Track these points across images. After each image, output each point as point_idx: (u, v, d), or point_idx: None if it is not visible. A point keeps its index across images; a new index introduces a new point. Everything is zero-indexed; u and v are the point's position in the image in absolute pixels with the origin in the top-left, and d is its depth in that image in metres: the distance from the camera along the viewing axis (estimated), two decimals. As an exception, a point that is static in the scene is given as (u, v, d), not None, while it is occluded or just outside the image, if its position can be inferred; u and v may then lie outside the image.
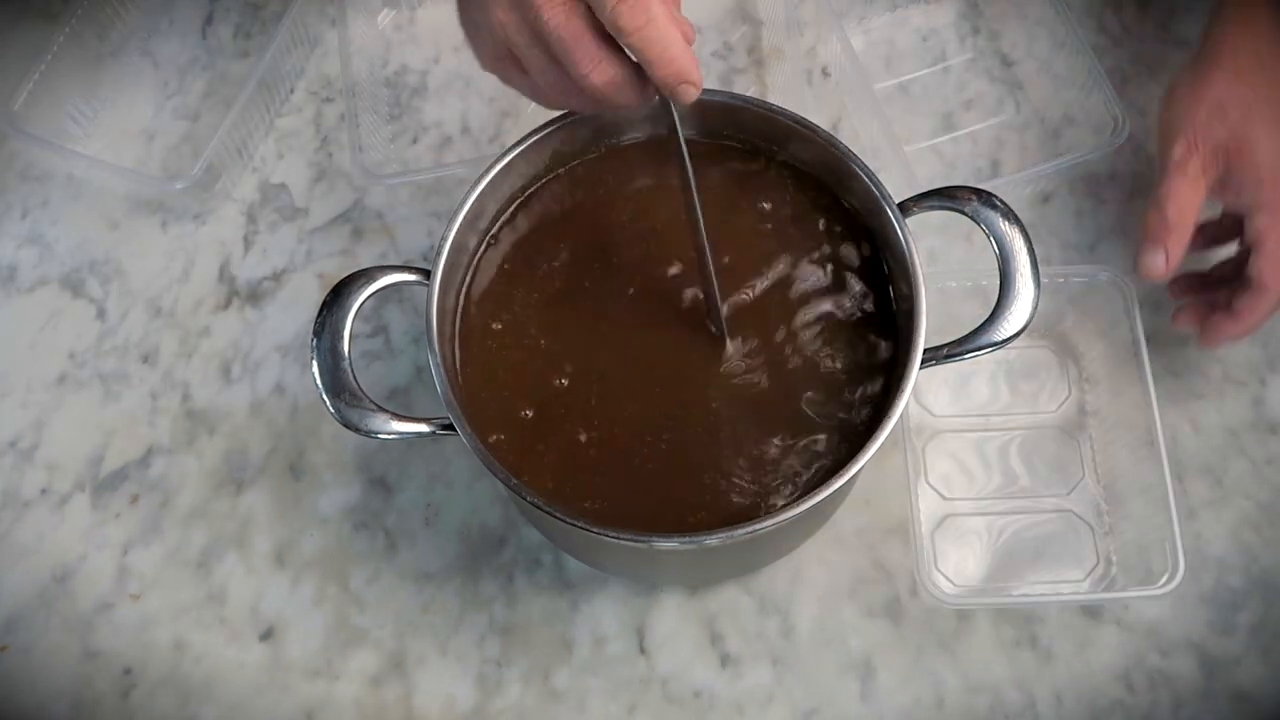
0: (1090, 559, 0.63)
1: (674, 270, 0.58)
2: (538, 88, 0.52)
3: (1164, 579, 0.58)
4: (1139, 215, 0.70)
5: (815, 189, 0.59)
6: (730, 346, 0.56)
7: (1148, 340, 0.63)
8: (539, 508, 0.51)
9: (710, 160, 0.60)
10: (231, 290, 0.72)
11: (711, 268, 0.54)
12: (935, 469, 0.65)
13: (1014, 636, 0.61)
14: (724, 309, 0.56)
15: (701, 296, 0.57)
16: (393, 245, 0.73)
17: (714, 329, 0.56)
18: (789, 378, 0.56)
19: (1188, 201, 0.59)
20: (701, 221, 0.54)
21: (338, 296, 0.55)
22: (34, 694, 0.63)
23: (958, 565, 0.63)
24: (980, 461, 0.65)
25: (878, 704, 0.60)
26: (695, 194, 0.53)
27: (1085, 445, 0.65)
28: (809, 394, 0.55)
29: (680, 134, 0.52)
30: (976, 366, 0.67)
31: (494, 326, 0.58)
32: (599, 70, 0.49)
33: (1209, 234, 0.64)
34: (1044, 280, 0.54)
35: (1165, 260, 0.59)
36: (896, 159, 0.68)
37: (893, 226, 0.55)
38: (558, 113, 0.57)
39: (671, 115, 0.52)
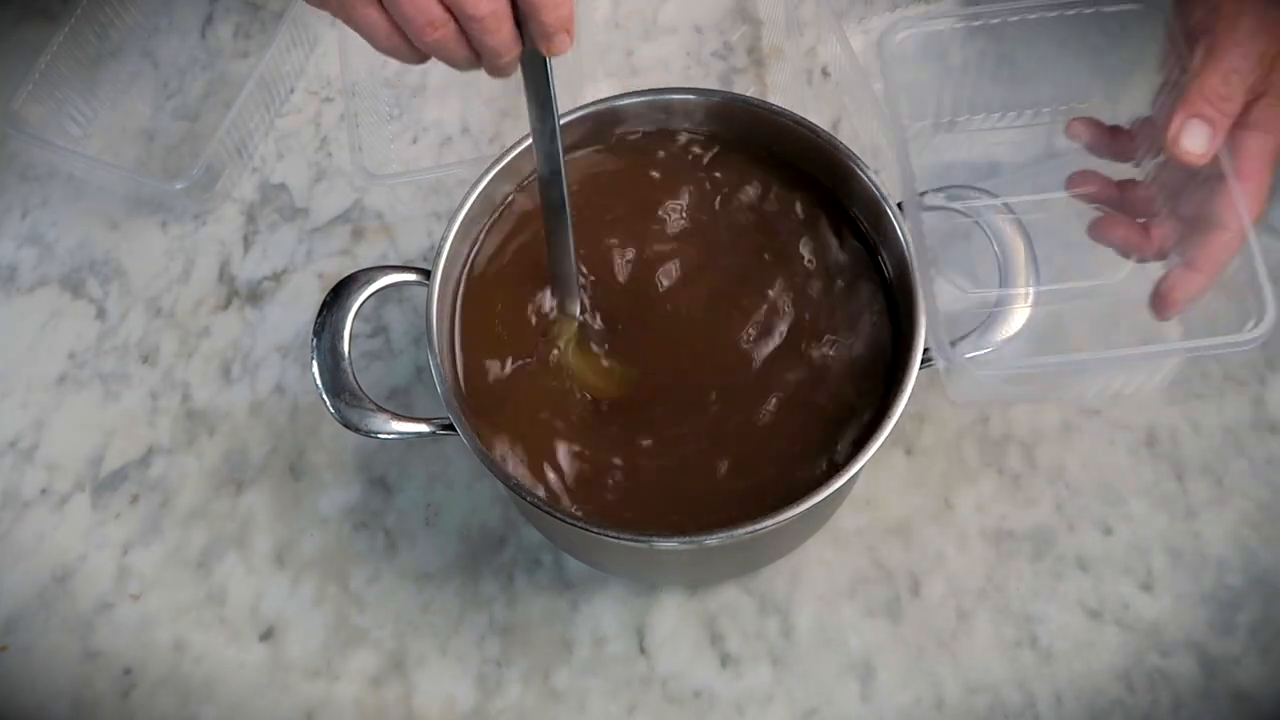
0: None
1: (676, 266, 0.58)
2: (389, 26, 0.47)
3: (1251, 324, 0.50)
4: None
5: (815, 189, 0.59)
6: (731, 345, 0.56)
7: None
8: (539, 507, 0.51)
9: (709, 160, 0.60)
10: (231, 290, 0.73)
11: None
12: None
13: (1014, 636, 0.61)
14: (721, 308, 0.56)
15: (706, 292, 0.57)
16: (393, 245, 0.73)
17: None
18: (788, 377, 0.56)
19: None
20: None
21: (338, 296, 0.55)
22: (34, 694, 0.63)
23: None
24: None
25: (878, 704, 0.60)
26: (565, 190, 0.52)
27: None
28: (808, 393, 0.55)
29: (556, 107, 0.49)
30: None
31: (494, 326, 0.58)
32: None
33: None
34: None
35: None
36: (896, 159, 0.67)
37: (893, 226, 0.55)
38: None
39: (546, 73, 0.48)
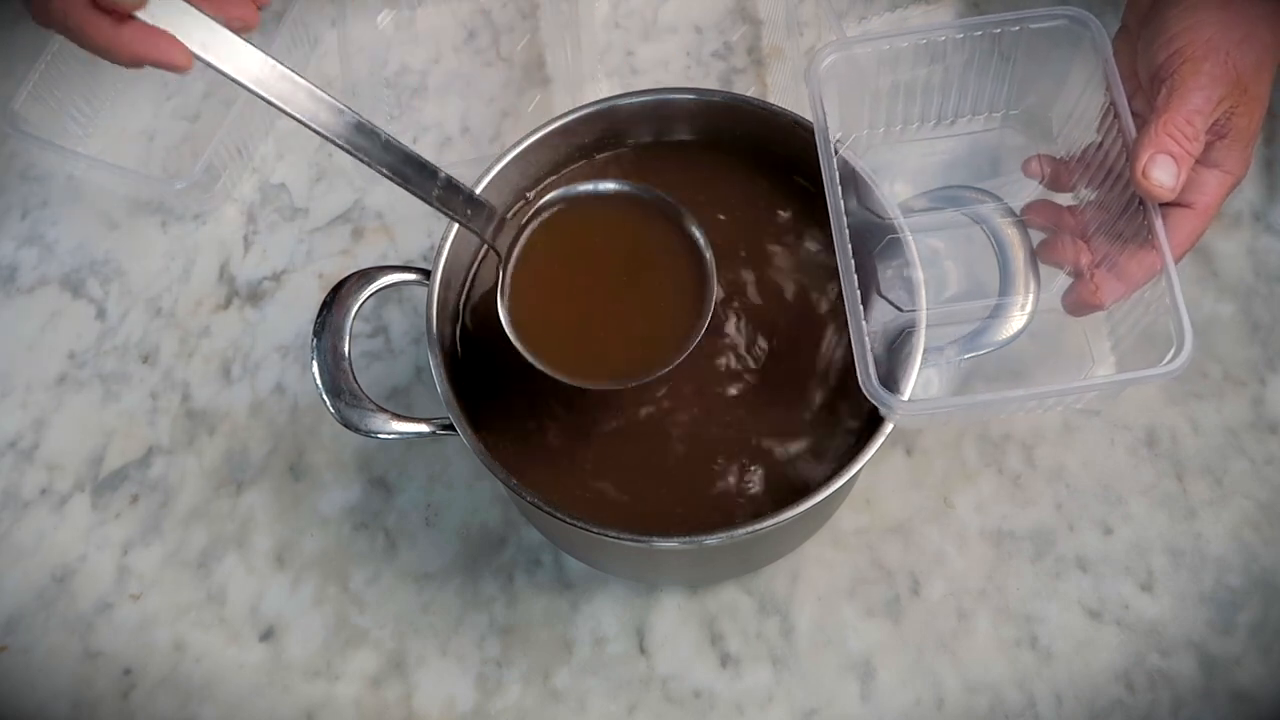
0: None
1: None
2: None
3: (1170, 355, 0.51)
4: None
5: (815, 188, 0.59)
6: (730, 345, 0.56)
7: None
8: (539, 508, 0.51)
9: (709, 160, 0.60)
10: (231, 290, 0.73)
11: None
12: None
13: (1014, 636, 0.61)
14: (722, 305, 0.56)
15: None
16: (393, 245, 0.73)
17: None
18: (789, 377, 0.56)
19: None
20: None
21: (338, 296, 0.55)
22: (34, 694, 0.63)
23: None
24: None
25: (878, 704, 0.60)
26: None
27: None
28: (809, 394, 0.55)
29: None
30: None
31: (494, 326, 0.58)
32: None
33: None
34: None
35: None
36: (896, 158, 0.67)
37: (893, 227, 0.55)
38: (557, 113, 0.57)
39: None
